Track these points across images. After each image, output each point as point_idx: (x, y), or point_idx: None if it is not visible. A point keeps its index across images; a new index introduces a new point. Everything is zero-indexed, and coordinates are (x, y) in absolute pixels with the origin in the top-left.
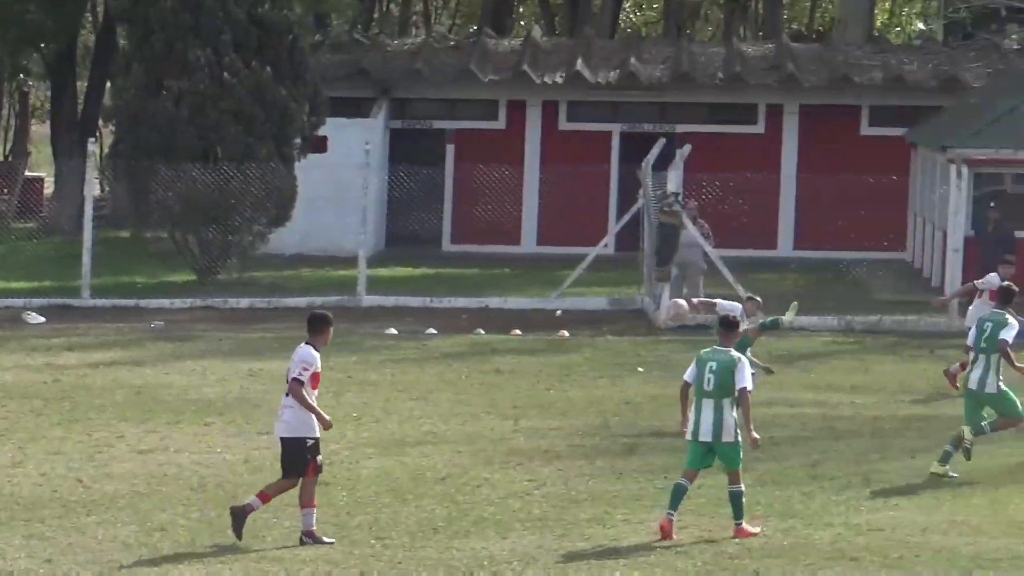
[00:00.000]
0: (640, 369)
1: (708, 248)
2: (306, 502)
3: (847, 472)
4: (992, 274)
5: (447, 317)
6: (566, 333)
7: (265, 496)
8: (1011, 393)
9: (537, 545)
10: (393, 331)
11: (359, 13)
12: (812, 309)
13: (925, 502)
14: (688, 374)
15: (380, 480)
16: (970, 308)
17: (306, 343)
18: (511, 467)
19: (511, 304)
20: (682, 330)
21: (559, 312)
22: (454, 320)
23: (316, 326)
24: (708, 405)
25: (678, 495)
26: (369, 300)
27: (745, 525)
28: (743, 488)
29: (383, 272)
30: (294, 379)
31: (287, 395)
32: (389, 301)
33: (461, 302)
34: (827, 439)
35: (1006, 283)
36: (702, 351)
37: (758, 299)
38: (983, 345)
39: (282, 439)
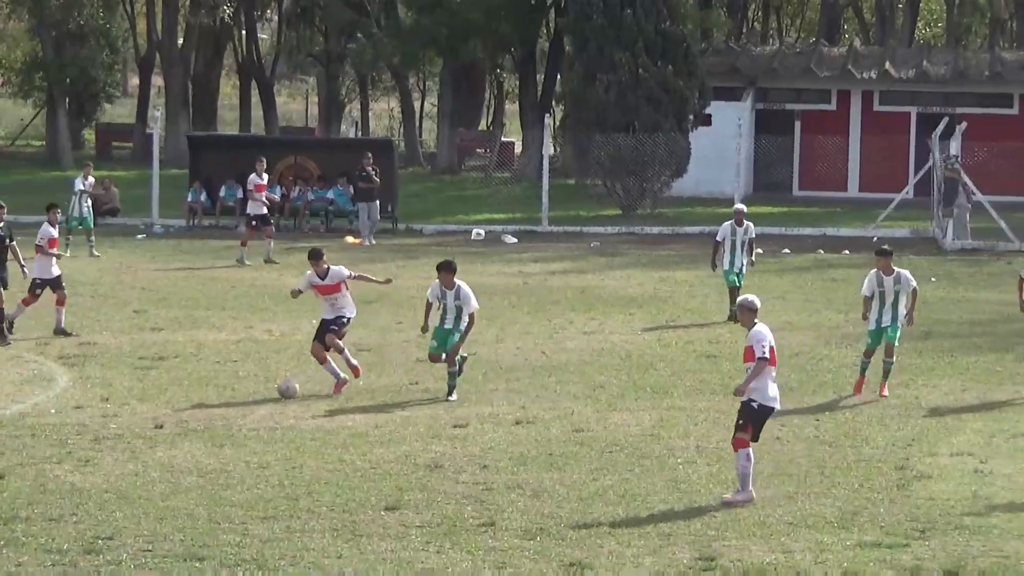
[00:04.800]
0: (932, 279)
1: (978, 195)
2: None
3: None
4: None
5: (797, 241)
6: None
7: None
8: None
9: (863, 400)
10: (759, 251)
11: (732, 28)
12: None
13: None
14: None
15: None
16: None
17: None
18: (843, 346)
19: (842, 232)
20: (963, 252)
21: (875, 239)
22: (802, 243)
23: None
24: None
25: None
26: None
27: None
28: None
29: (752, 209)
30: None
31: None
32: (757, 230)
33: (807, 231)
34: None
35: None
36: None
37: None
38: None
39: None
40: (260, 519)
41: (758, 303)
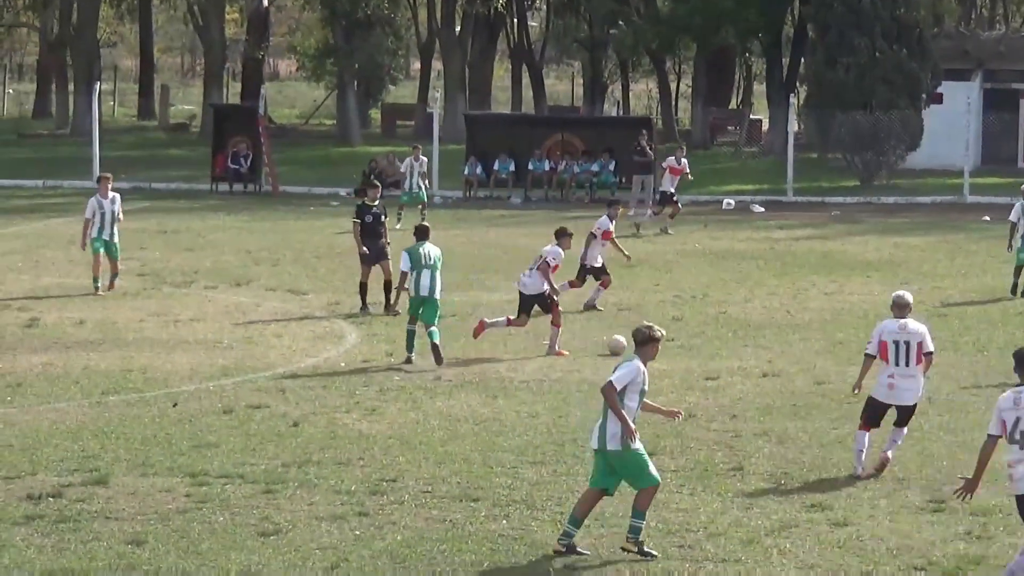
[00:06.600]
0: None
1: None
2: None
3: None
4: None
5: None
6: None
7: None
8: None
9: None
10: (987, 218)
11: (961, 14)
12: None
13: None
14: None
15: (979, 315)
16: None
17: None
18: None
19: None
20: None
21: None
22: None
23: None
24: None
25: None
26: (971, 199)
27: None
28: None
29: (980, 180)
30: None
31: None
32: (985, 200)
33: None
34: None
35: None
36: None
37: None
38: None
39: None
40: (529, 463)
41: (907, 298)
